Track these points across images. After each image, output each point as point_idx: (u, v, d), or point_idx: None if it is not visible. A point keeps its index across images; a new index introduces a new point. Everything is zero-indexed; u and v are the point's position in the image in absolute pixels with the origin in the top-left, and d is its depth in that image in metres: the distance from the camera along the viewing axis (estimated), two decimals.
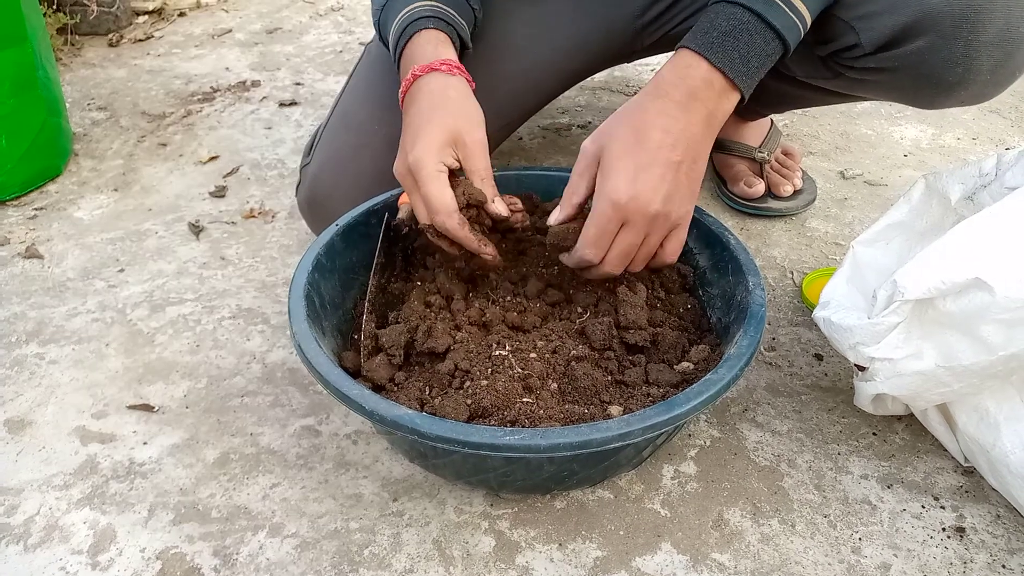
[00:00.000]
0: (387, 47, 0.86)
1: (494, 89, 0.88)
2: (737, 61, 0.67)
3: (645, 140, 0.67)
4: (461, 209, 0.71)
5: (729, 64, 0.67)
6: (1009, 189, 0.71)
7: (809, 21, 0.70)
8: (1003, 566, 0.65)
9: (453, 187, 0.72)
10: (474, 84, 0.79)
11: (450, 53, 0.80)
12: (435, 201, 0.71)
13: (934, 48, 0.70)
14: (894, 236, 0.79)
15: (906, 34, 0.70)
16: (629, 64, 1.46)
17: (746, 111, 1.10)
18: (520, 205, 0.78)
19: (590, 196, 0.70)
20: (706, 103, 0.68)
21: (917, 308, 0.64)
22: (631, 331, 0.73)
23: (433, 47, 0.79)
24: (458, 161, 0.74)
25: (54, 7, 1.65)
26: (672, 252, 0.71)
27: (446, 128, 0.74)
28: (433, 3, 0.83)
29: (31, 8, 1.15)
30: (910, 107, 1.35)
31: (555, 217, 0.73)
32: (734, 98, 0.69)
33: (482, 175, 0.74)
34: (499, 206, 0.74)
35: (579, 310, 0.76)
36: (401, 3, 0.84)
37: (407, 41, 0.81)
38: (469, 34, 0.86)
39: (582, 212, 0.72)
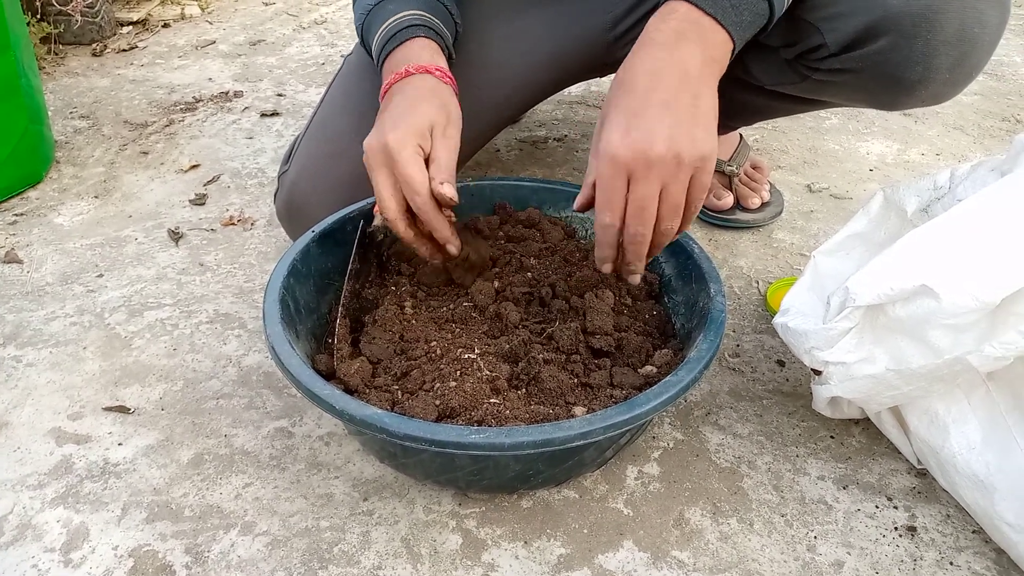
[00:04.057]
0: (368, 51, 0.88)
1: (469, 99, 0.90)
2: (727, 7, 0.65)
3: (632, 88, 0.64)
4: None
5: (715, 5, 0.65)
6: (960, 201, 0.74)
7: None
8: (951, 563, 0.68)
9: None
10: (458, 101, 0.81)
11: (443, 63, 0.82)
12: (415, 181, 0.71)
13: (896, 47, 0.74)
14: (854, 246, 0.82)
15: (869, 34, 0.74)
16: (604, 79, 1.49)
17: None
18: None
19: None
20: (694, 41, 0.65)
21: (868, 314, 0.67)
22: (597, 336, 0.75)
23: (429, 54, 0.81)
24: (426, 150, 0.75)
25: (38, 16, 1.66)
26: (695, 198, 0.65)
27: (429, 118, 0.75)
28: (422, 13, 0.85)
29: (14, 17, 1.16)
30: (877, 122, 1.40)
31: (578, 202, 0.70)
32: (724, 38, 0.66)
33: (441, 165, 0.73)
34: (447, 189, 0.72)
35: (549, 315, 0.78)
36: (389, 11, 0.85)
37: (398, 45, 0.82)
38: (452, 43, 0.89)
39: None
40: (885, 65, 0.75)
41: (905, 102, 0.81)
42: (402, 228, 0.74)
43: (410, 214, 0.74)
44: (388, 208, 0.73)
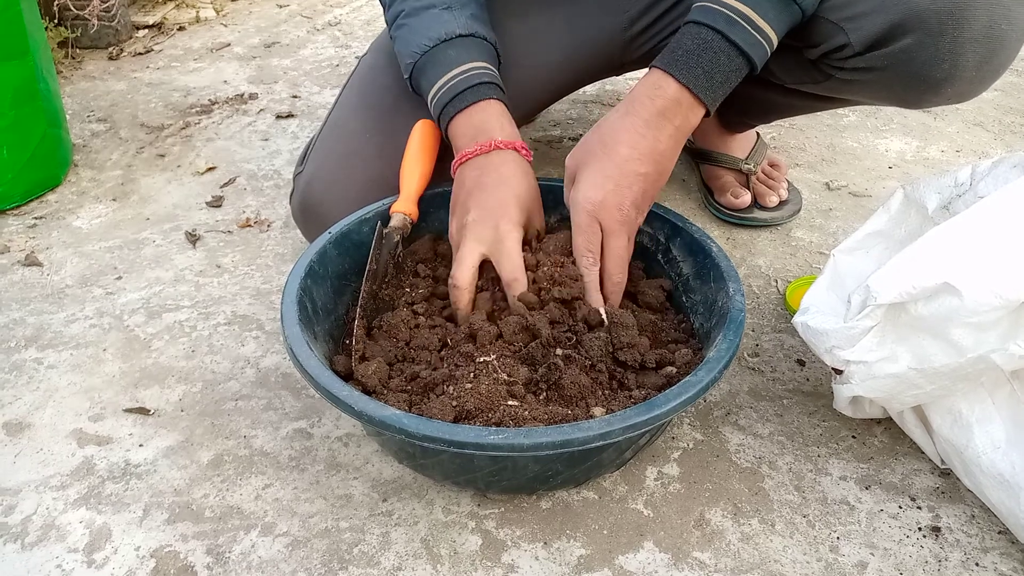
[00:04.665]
0: (415, 89, 0.88)
1: None
2: (701, 77, 0.73)
3: (613, 153, 0.74)
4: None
5: (694, 80, 0.73)
6: (982, 198, 0.74)
7: (775, 39, 0.74)
8: (976, 564, 0.67)
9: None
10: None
11: (515, 131, 0.84)
12: (517, 273, 0.76)
13: (921, 45, 0.73)
14: (874, 244, 0.81)
15: (894, 33, 0.73)
16: (620, 77, 1.49)
17: (734, 123, 1.12)
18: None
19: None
20: (672, 120, 0.74)
21: (890, 312, 0.66)
22: (623, 350, 0.74)
23: (509, 124, 0.83)
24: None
25: (55, 21, 1.68)
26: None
27: (527, 205, 0.80)
28: (487, 67, 0.84)
29: (33, 23, 1.17)
30: (896, 119, 1.38)
31: None
32: (700, 112, 0.75)
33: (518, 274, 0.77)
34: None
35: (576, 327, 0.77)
36: (450, 58, 0.84)
37: (468, 106, 0.82)
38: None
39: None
40: (910, 63, 0.74)
41: (931, 100, 0.80)
42: (465, 301, 0.77)
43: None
44: (462, 279, 0.76)
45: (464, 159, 0.81)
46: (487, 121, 0.82)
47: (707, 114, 0.75)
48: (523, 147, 0.82)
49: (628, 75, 1.31)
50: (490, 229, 0.77)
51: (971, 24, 0.71)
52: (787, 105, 1.00)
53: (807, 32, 0.78)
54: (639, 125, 0.74)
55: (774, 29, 0.73)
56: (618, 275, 0.76)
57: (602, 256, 0.76)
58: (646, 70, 0.77)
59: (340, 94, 1.03)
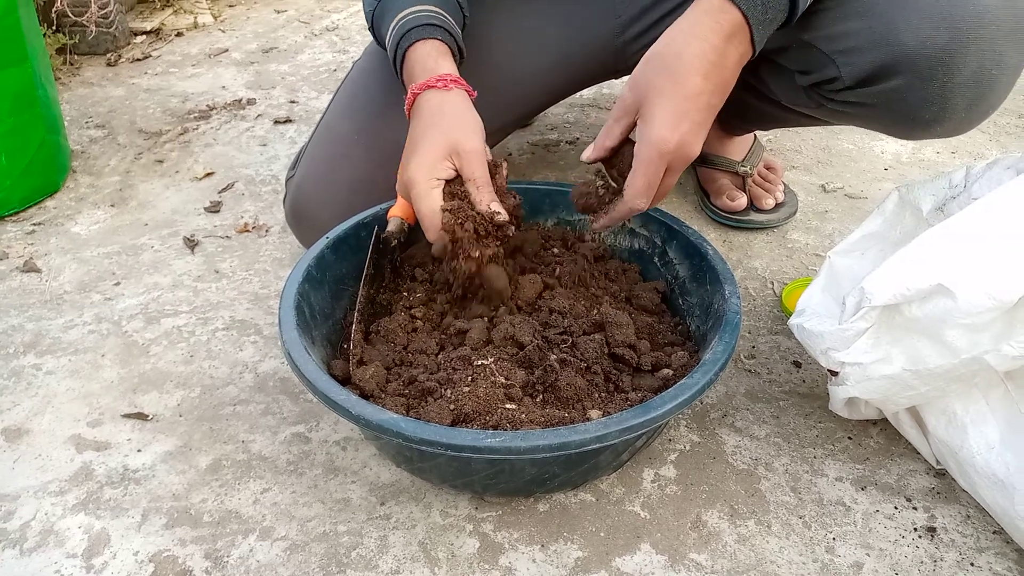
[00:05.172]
0: (379, 42, 0.88)
1: (477, 102, 0.91)
2: (759, 9, 0.67)
3: (685, 84, 0.67)
4: (464, 223, 0.74)
5: (752, 11, 0.67)
6: (976, 200, 0.74)
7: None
8: (971, 564, 0.67)
9: (453, 197, 0.75)
10: (474, 93, 0.81)
11: (447, 65, 0.81)
12: (424, 220, 0.75)
13: (911, 87, 0.72)
14: (869, 246, 0.82)
15: (884, 72, 0.73)
16: (617, 81, 1.49)
17: (732, 127, 1.13)
18: (518, 199, 0.79)
19: (623, 141, 0.72)
20: (737, 48, 0.68)
21: (884, 314, 0.67)
22: (619, 348, 0.74)
23: (433, 60, 0.81)
24: (456, 170, 0.76)
25: (54, 28, 1.68)
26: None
27: (439, 144, 0.76)
28: (428, 7, 0.84)
29: (31, 29, 1.18)
30: None
31: (587, 154, 0.74)
32: (748, 54, 0.70)
33: (478, 182, 0.75)
34: (494, 208, 0.75)
35: (566, 324, 0.78)
36: (396, 5, 0.84)
37: (406, 50, 0.82)
38: (461, 37, 0.88)
39: (613, 155, 0.74)
40: (900, 103, 0.74)
41: (920, 135, 0.80)
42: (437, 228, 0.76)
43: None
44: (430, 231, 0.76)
45: (407, 112, 0.81)
46: (414, 68, 0.81)
47: (752, 56, 0.70)
48: (439, 79, 0.79)
49: (625, 79, 1.32)
50: (403, 187, 0.77)
51: (961, 70, 0.70)
52: (785, 118, 1.00)
53: (801, 58, 0.78)
54: (708, 51, 0.67)
55: None
56: (647, 206, 0.72)
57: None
58: None
59: (333, 97, 1.03)
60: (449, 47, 0.83)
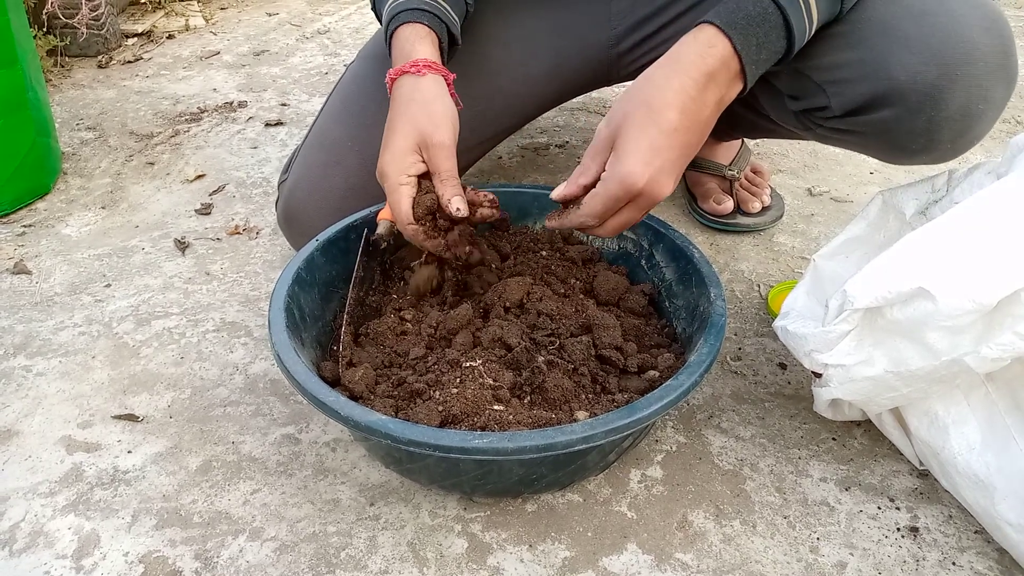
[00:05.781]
0: (378, 18, 0.89)
1: (470, 108, 0.92)
2: (754, 48, 0.67)
3: (660, 119, 0.66)
4: (424, 216, 0.75)
5: (747, 49, 0.67)
6: (957, 204, 0.75)
7: (809, 34, 0.71)
8: (953, 563, 0.68)
9: (422, 192, 0.76)
10: (452, 76, 0.80)
11: (425, 50, 0.79)
12: (396, 213, 0.76)
13: (900, 119, 0.73)
14: (853, 250, 0.83)
15: (874, 104, 0.73)
16: (607, 87, 1.50)
17: (721, 133, 1.13)
18: (492, 197, 0.78)
19: (598, 179, 0.69)
20: (720, 87, 0.68)
21: (867, 316, 0.68)
22: (606, 350, 0.75)
23: (411, 45, 0.80)
24: (425, 164, 0.76)
25: (44, 30, 1.68)
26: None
27: (408, 135, 0.76)
28: None
29: (21, 31, 1.18)
30: None
31: (559, 192, 0.72)
32: (738, 88, 0.69)
33: (443, 176, 0.75)
34: (455, 204, 0.74)
35: (557, 329, 0.78)
36: None
37: (392, 33, 0.82)
38: (459, 26, 0.86)
39: (586, 193, 0.71)
40: (888, 134, 0.75)
41: (905, 163, 0.82)
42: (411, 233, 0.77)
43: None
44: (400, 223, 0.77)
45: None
46: (395, 53, 0.81)
47: (742, 93, 0.70)
48: (413, 65, 0.78)
49: (618, 86, 1.33)
50: (379, 179, 0.77)
51: (949, 104, 0.71)
52: (774, 131, 1.01)
53: (792, 84, 0.79)
54: (689, 86, 0.66)
55: (817, 21, 0.70)
56: (602, 232, 0.71)
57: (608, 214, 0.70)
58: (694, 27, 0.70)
59: (326, 102, 1.04)
60: (435, 31, 0.82)
